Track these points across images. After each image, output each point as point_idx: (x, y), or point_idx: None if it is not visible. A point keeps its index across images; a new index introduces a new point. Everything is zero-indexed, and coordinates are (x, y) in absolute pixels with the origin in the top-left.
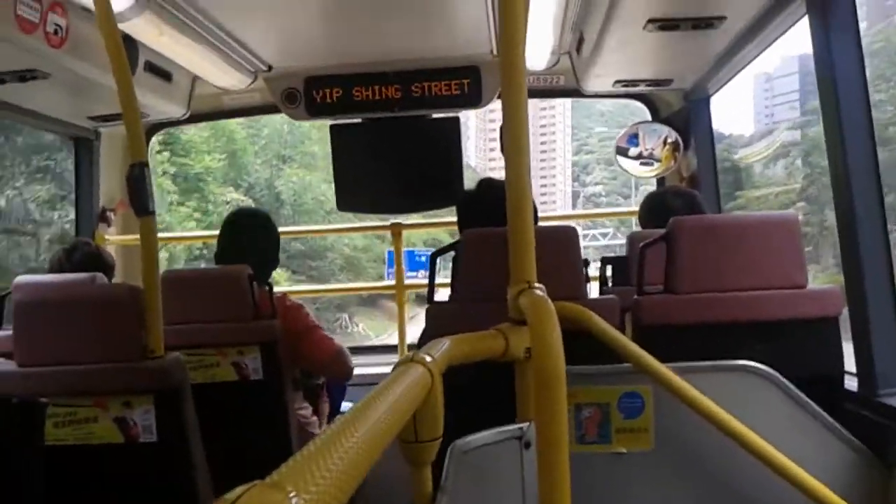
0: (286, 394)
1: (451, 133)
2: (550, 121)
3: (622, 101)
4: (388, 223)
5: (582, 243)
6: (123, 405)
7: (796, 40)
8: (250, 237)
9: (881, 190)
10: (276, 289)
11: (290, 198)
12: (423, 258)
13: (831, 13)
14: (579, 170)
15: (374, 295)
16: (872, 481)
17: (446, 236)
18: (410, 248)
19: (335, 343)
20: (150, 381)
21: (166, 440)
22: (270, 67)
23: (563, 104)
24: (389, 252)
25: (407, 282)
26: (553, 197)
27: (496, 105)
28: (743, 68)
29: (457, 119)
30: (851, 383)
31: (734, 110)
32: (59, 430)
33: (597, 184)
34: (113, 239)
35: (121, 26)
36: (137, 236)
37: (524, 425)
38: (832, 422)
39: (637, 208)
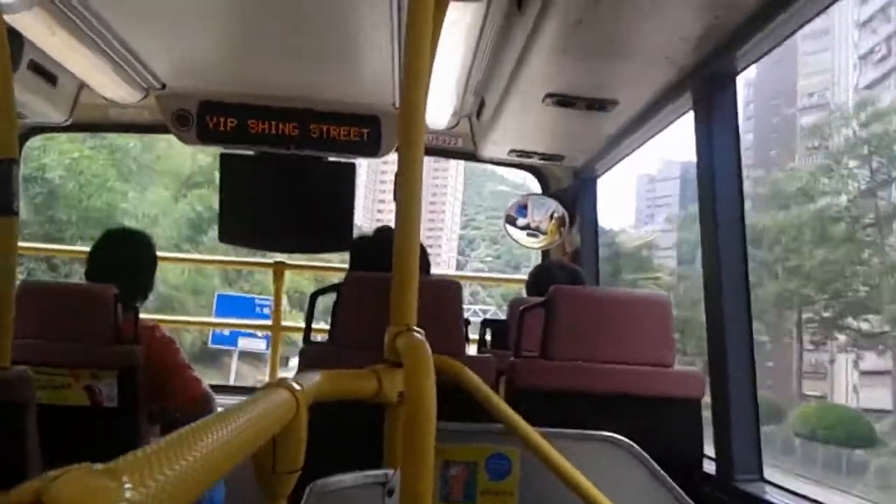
0: (140, 424)
1: (346, 178)
2: (442, 189)
3: (514, 182)
4: (270, 261)
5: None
6: None
7: (679, 148)
8: (122, 258)
9: (748, 284)
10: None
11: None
12: (250, 305)
13: (715, 109)
14: (465, 244)
15: (212, 350)
16: None
17: (309, 285)
18: (246, 294)
19: (202, 386)
20: None
21: (2, 459)
22: (164, 86)
23: (455, 178)
24: (220, 296)
25: (284, 323)
26: (438, 268)
27: (387, 167)
28: (630, 153)
29: (353, 165)
30: (710, 466)
31: (619, 206)
32: None
33: (481, 260)
34: None
35: (7, 18)
36: None
37: (389, 472)
38: (689, 501)
39: (522, 277)
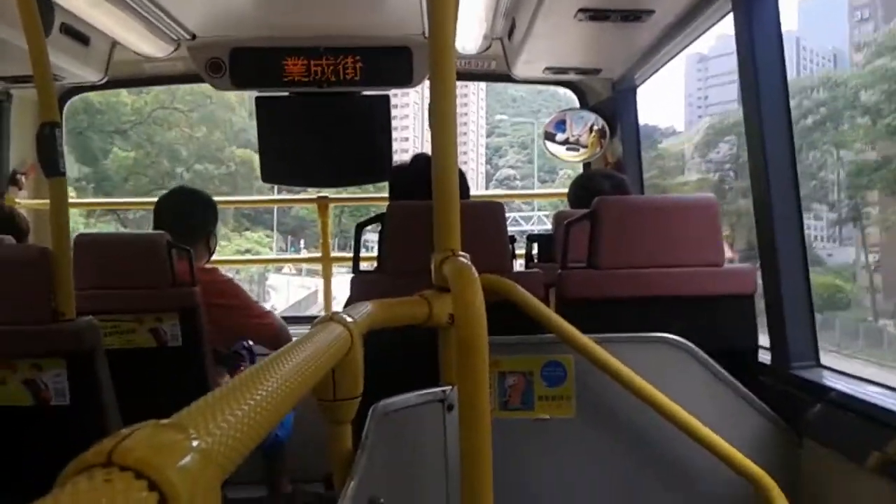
0: (205, 361)
1: (381, 111)
2: (463, 100)
3: (535, 87)
4: (314, 196)
5: None
6: (33, 367)
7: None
8: (181, 212)
9: (796, 174)
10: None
11: None
12: None
13: (755, 12)
14: (492, 152)
15: None
16: (783, 448)
17: None
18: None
19: (273, 319)
20: (61, 344)
21: (80, 404)
22: (194, 36)
23: (476, 86)
24: None
25: (334, 254)
26: (468, 179)
27: (396, 101)
28: (670, 60)
29: (387, 97)
30: (765, 357)
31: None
32: None
33: (510, 167)
34: (24, 203)
35: None
36: (48, 201)
37: (447, 388)
38: (747, 392)
39: (564, 190)
